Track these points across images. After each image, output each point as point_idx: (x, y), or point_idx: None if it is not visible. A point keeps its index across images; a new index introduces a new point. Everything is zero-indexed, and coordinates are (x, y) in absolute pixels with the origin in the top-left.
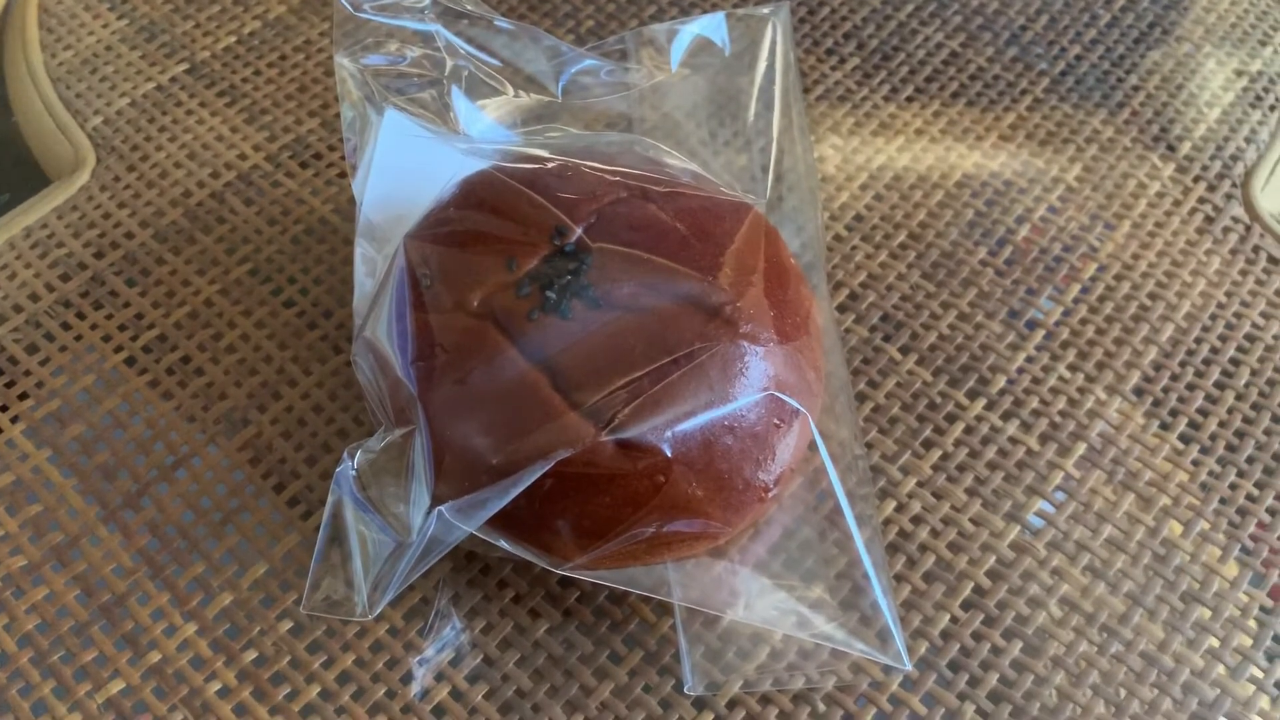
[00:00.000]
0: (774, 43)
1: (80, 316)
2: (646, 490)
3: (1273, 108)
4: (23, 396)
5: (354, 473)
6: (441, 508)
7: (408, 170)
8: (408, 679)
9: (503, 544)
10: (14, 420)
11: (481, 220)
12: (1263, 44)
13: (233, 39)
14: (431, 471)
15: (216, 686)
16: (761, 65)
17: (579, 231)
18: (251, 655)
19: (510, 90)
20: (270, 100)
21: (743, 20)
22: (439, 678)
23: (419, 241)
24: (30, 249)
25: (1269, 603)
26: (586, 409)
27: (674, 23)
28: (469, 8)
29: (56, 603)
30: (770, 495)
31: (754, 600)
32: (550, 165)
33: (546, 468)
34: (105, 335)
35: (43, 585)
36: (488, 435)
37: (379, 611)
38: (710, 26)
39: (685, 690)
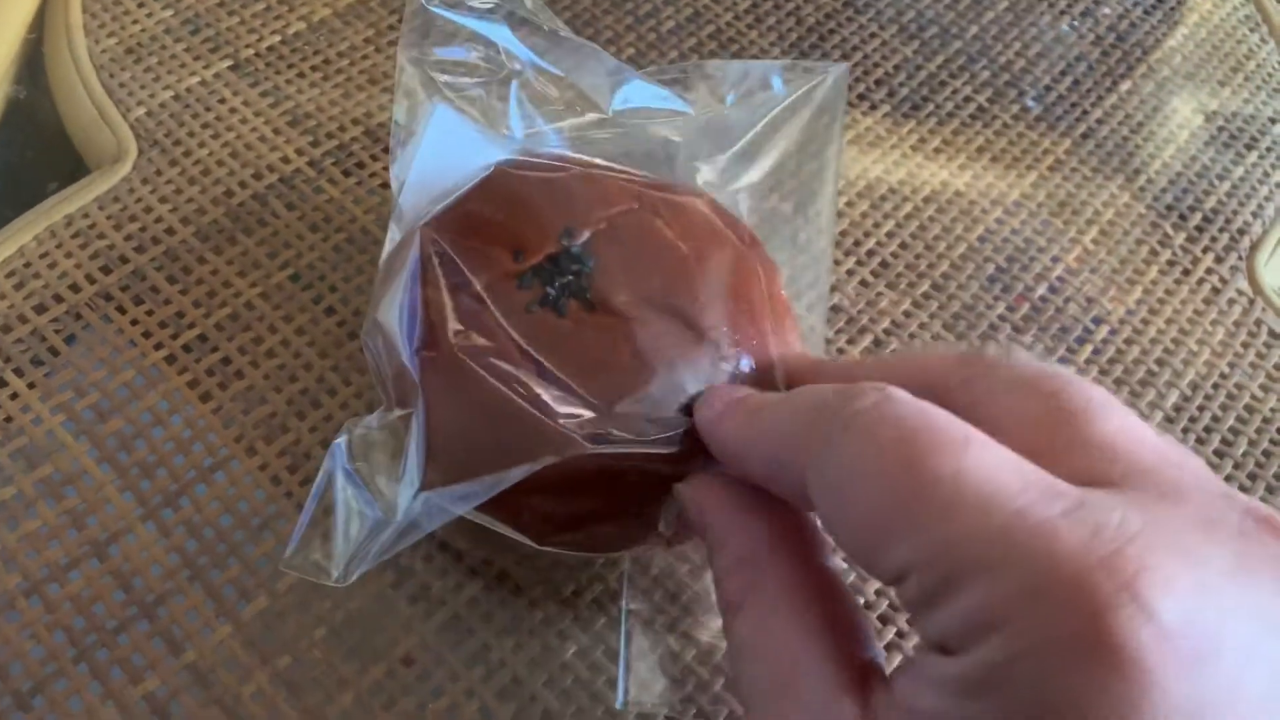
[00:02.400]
0: (829, 101)
1: (121, 310)
2: (625, 489)
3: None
4: (63, 388)
5: (347, 445)
6: (427, 493)
7: (450, 164)
8: (438, 693)
9: (482, 519)
10: (54, 411)
11: (495, 211)
12: (1273, 121)
13: (277, 39)
14: (422, 457)
15: (251, 690)
16: (806, 117)
17: (587, 235)
18: (286, 660)
19: (562, 102)
20: (314, 104)
21: (801, 73)
22: (469, 694)
23: (432, 226)
24: (71, 238)
25: None
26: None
27: (734, 62)
28: (536, 16)
29: (95, 597)
30: None
31: None
32: (572, 169)
33: (533, 470)
34: (146, 331)
35: (81, 579)
36: (478, 431)
37: (351, 581)
38: (770, 70)
39: None
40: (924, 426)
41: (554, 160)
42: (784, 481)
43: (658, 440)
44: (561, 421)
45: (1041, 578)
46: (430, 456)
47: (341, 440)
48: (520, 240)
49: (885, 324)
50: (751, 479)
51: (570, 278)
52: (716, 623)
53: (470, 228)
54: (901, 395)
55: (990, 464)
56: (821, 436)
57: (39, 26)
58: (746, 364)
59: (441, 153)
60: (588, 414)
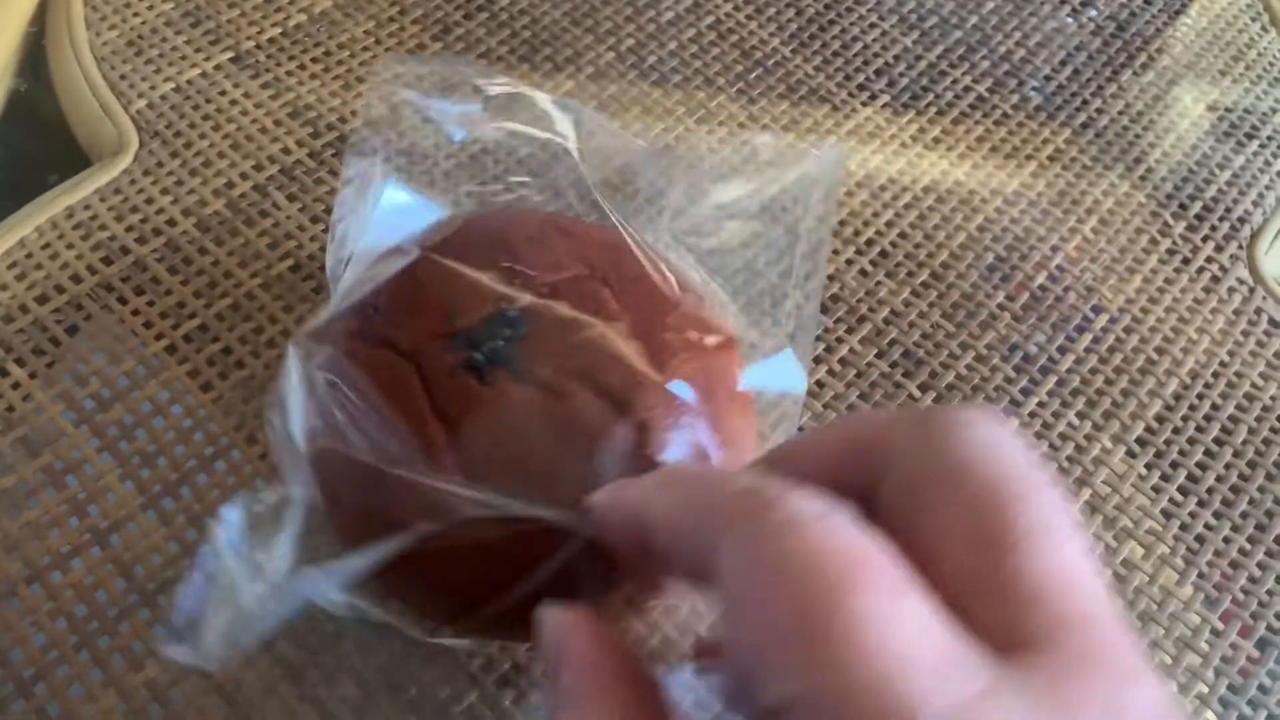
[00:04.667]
0: (822, 185)
1: (122, 301)
2: (506, 565)
3: None
4: (64, 377)
5: (237, 520)
6: (306, 568)
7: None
8: (447, 681)
9: (374, 611)
10: (56, 400)
11: (440, 265)
12: (1274, 111)
13: (277, 30)
14: (300, 527)
15: (252, 676)
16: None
17: (528, 299)
18: (286, 647)
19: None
20: (314, 96)
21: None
22: (471, 682)
23: (371, 271)
24: (73, 229)
25: (1256, 654)
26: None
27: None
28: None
29: (96, 585)
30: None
31: None
32: (529, 228)
33: (408, 543)
34: (147, 321)
35: (83, 567)
36: (372, 497)
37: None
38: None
39: None
40: (859, 559)
41: (513, 214)
42: (683, 559)
43: (548, 514)
44: (441, 490)
45: None
46: (334, 527)
47: (230, 514)
48: (459, 299)
49: (884, 313)
50: (653, 546)
51: (500, 343)
52: None
53: (413, 277)
54: (840, 521)
55: (911, 631)
56: (746, 535)
57: (40, 20)
58: (676, 452)
59: (391, 225)
60: (470, 490)
